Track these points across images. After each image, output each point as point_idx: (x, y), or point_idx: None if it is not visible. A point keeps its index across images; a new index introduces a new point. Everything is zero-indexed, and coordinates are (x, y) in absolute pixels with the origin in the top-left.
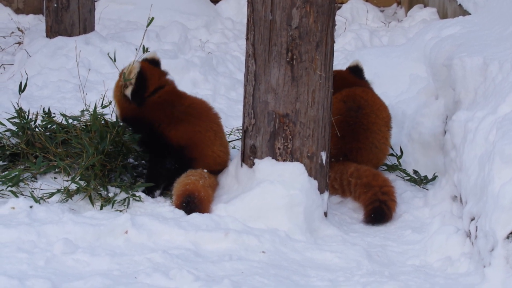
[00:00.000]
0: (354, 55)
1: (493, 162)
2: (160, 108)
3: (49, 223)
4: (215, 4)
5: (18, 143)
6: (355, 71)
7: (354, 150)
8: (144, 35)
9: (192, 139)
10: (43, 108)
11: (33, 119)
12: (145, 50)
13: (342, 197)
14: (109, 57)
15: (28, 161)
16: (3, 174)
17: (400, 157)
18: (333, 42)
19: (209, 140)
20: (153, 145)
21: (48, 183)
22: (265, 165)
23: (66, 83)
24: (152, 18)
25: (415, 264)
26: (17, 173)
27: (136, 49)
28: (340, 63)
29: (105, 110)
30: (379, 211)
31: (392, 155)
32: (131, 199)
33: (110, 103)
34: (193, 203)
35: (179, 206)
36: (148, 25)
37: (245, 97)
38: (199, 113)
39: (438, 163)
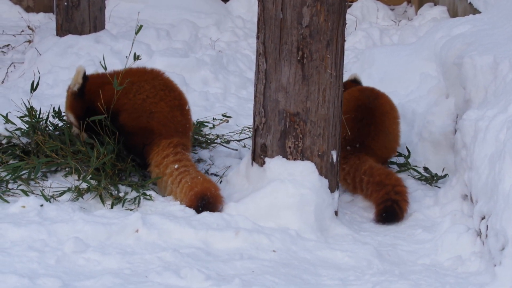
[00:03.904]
0: (364, 53)
1: (504, 161)
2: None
3: (60, 222)
4: (225, 3)
5: (28, 142)
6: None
7: (371, 134)
8: (133, 43)
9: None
10: (53, 107)
11: (43, 118)
12: (136, 57)
13: (352, 194)
14: (101, 64)
15: (37, 159)
16: (8, 164)
17: (408, 157)
18: (344, 40)
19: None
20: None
21: (58, 181)
22: (276, 164)
23: None
24: (141, 26)
25: (425, 263)
26: (20, 164)
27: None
28: (351, 61)
29: None
30: (390, 211)
31: (400, 155)
32: (141, 198)
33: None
34: (209, 203)
35: (195, 208)
36: (136, 33)
37: (255, 96)
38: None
39: (449, 162)
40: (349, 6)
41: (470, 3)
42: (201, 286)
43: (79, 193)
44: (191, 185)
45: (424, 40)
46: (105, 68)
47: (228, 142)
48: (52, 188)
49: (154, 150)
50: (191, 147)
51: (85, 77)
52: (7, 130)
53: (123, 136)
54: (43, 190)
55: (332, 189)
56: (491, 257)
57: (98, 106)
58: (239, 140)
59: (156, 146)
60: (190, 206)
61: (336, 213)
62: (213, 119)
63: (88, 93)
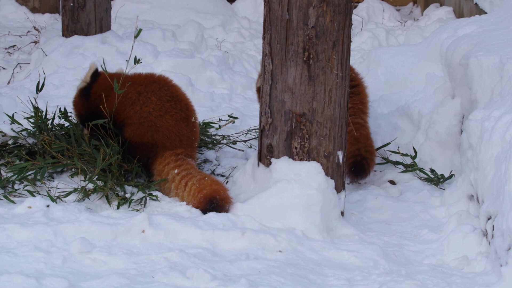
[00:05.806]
0: (370, 54)
1: (510, 161)
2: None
3: (66, 222)
4: (231, 3)
5: (34, 143)
6: None
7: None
8: (132, 46)
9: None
10: (59, 108)
11: (49, 118)
12: (136, 61)
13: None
14: (102, 67)
15: (43, 160)
16: (14, 165)
17: (415, 157)
18: (350, 41)
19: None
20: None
21: (65, 182)
22: (282, 165)
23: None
24: (140, 30)
25: (431, 263)
26: (26, 165)
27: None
28: (357, 62)
29: None
30: (359, 166)
31: (406, 155)
32: (148, 198)
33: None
34: (218, 206)
35: (203, 210)
36: (136, 36)
37: (261, 96)
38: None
39: (455, 162)
40: (355, 6)
41: (476, 3)
42: (207, 286)
43: (85, 193)
44: (199, 187)
45: (430, 40)
46: (106, 72)
47: (234, 142)
48: (58, 188)
49: (158, 160)
50: (197, 148)
51: (95, 75)
52: (13, 131)
53: (127, 148)
54: (49, 190)
55: (338, 189)
56: (497, 257)
57: (102, 110)
58: (245, 141)
59: (160, 157)
60: (198, 208)
61: (342, 213)
62: (219, 119)
63: (93, 96)
